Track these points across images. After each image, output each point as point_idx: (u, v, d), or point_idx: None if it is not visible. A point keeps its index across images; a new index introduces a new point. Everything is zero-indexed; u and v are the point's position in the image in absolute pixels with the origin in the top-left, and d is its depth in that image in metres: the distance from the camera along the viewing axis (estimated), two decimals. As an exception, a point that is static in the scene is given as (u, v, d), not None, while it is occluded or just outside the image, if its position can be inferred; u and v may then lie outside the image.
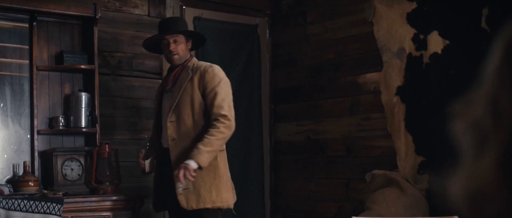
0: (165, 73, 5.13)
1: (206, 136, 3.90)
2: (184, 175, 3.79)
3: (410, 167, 4.60)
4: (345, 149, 5.16)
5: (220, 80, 4.02)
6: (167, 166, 4.00)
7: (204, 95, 4.00)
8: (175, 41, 4.07)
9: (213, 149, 3.91)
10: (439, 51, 4.48)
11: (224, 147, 4.09)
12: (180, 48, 4.08)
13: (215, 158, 3.99)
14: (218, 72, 4.04)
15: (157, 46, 4.25)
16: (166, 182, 4.01)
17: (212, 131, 3.91)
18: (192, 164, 3.81)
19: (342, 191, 5.16)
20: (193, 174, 3.81)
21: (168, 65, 5.14)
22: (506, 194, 0.64)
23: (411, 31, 4.64)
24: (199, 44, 4.41)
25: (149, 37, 4.28)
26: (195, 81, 4.01)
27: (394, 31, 4.72)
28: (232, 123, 3.98)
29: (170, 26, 4.13)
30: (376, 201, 4.32)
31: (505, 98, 0.65)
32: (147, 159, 4.11)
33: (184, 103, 3.99)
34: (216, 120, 3.93)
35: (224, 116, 3.94)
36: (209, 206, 3.94)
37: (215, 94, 3.96)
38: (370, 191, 4.51)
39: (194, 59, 4.17)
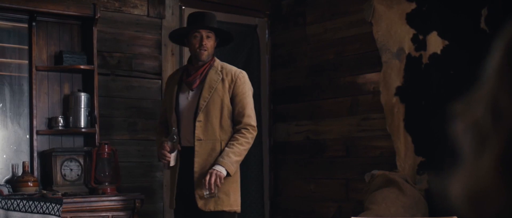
0: (165, 73, 5.13)
1: (236, 144, 3.94)
2: (215, 182, 3.81)
3: (409, 167, 4.60)
4: (344, 149, 5.16)
5: (250, 89, 4.07)
6: (186, 164, 3.97)
7: (232, 100, 4.01)
8: (207, 37, 4.01)
9: (241, 158, 3.97)
10: (439, 52, 4.48)
11: None
12: (210, 45, 4.03)
13: None
14: (247, 80, 4.07)
15: (180, 38, 4.20)
16: (184, 180, 3.98)
17: (242, 140, 3.95)
18: (224, 172, 3.85)
19: (341, 191, 5.16)
20: (222, 182, 3.85)
21: (168, 65, 5.17)
22: (506, 194, 0.64)
23: (411, 32, 4.64)
24: (223, 44, 4.30)
25: (182, 27, 4.18)
26: (226, 84, 3.99)
27: (393, 32, 4.72)
28: (256, 133, 4.07)
29: (205, 20, 4.03)
30: (376, 202, 4.32)
31: (506, 99, 0.65)
32: (172, 152, 3.97)
33: (214, 104, 3.97)
34: (246, 129, 3.98)
35: (253, 127, 4.02)
36: (227, 209, 3.97)
37: (246, 103, 4.00)
38: (369, 191, 4.51)
39: (218, 60, 4.13)
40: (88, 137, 4.66)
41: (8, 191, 4.17)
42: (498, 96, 0.66)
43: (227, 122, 3.99)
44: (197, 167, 3.92)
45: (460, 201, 0.69)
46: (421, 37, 4.59)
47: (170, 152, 3.94)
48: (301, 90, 5.56)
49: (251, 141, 4.01)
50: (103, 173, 4.43)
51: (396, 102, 4.70)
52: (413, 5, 4.62)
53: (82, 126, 4.56)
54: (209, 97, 3.96)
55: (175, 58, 5.23)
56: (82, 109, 4.56)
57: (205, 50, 3.99)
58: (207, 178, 3.81)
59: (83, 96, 4.57)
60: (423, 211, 4.32)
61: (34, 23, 4.48)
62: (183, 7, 5.33)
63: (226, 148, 3.93)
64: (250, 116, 4.01)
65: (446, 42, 4.44)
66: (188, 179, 3.95)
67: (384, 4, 4.78)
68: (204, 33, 3.99)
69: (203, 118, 3.95)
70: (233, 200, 3.99)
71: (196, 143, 3.93)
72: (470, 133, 0.69)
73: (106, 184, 4.43)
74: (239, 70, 4.08)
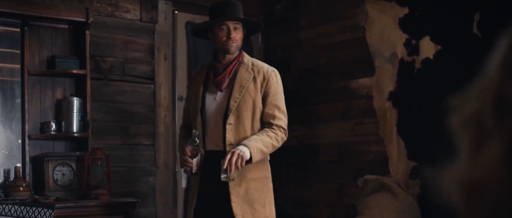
0: (158, 78, 5.12)
1: (265, 134, 3.60)
2: (236, 163, 3.41)
3: (402, 172, 4.61)
4: (337, 154, 5.16)
5: (282, 89, 3.76)
6: (214, 170, 3.53)
7: (263, 100, 3.69)
8: (235, 29, 3.66)
9: (267, 151, 3.63)
10: (431, 57, 4.49)
11: (269, 157, 3.81)
12: (239, 37, 3.68)
13: (266, 169, 3.77)
14: (280, 79, 3.76)
15: (202, 32, 3.83)
16: (211, 187, 3.64)
17: (272, 134, 3.62)
18: (247, 154, 3.47)
19: (334, 196, 5.16)
20: (243, 165, 3.47)
21: (161, 69, 5.16)
22: (508, 188, 0.64)
23: (403, 37, 4.65)
24: (249, 35, 4.02)
25: (206, 22, 3.79)
26: (258, 83, 3.67)
27: (386, 37, 4.73)
28: (286, 138, 3.73)
29: (231, 11, 3.69)
30: (369, 206, 4.32)
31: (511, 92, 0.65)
32: (195, 157, 3.62)
33: (246, 105, 3.63)
34: (278, 127, 3.66)
35: (284, 130, 3.70)
36: None
37: (278, 104, 3.70)
38: (362, 196, 4.51)
39: (247, 56, 3.80)
40: (81, 142, 4.64)
41: (0, 196, 4.15)
42: (503, 89, 0.66)
43: (259, 124, 3.68)
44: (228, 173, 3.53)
45: (455, 194, 0.69)
46: (413, 42, 4.60)
47: (192, 157, 3.61)
48: (294, 95, 5.55)
49: (280, 141, 3.66)
50: (95, 178, 4.41)
51: (389, 107, 4.70)
52: (406, 10, 4.63)
53: (75, 131, 4.55)
54: (240, 98, 3.63)
55: (168, 62, 5.22)
56: (75, 114, 4.55)
57: (234, 42, 3.64)
58: (228, 157, 3.41)
59: (75, 101, 4.56)
60: (415, 215, 4.32)
61: (26, 28, 4.47)
62: (176, 12, 5.33)
63: (254, 135, 3.60)
64: (282, 119, 3.68)
65: (439, 47, 4.45)
66: (218, 187, 3.58)
67: (377, 9, 4.79)
68: (231, 25, 3.64)
69: (234, 120, 3.62)
70: (269, 212, 3.72)
71: (227, 148, 3.57)
72: (467, 125, 0.69)
73: (99, 188, 4.41)
74: (271, 68, 3.75)
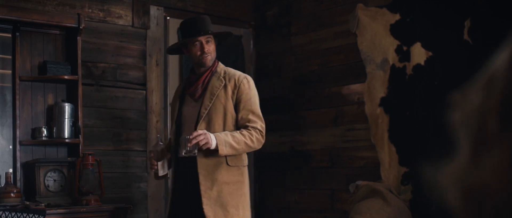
0: (150, 83, 5.12)
1: (240, 132, 3.72)
2: (199, 142, 3.54)
3: (393, 178, 4.62)
4: (329, 159, 5.17)
5: (255, 94, 3.87)
6: (189, 177, 3.76)
7: (236, 107, 3.81)
8: (207, 42, 3.83)
9: (237, 148, 3.70)
10: (422, 63, 4.51)
11: (247, 162, 3.92)
12: (212, 48, 3.86)
13: (241, 174, 3.84)
14: (253, 85, 3.88)
15: (177, 48, 4.04)
16: (190, 194, 3.76)
17: (246, 134, 3.73)
18: (213, 142, 3.59)
19: (326, 202, 5.17)
20: (203, 149, 3.59)
21: (153, 75, 5.16)
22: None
23: (395, 43, 4.67)
24: (219, 43, 4.10)
25: (179, 41, 3.97)
26: (229, 91, 3.81)
27: (377, 43, 4.75)
28: (263, 141, 3.82)
29: (201, 26, 3.84)
30: (360, 212, 4.32)
31: None
32: (160, 161, 3.80)
33: (216, 112, 3.77)
34: (254, 129, 3.76)
35: (260, 131, 3.78)
36: None
37: (252, 109, 3.81)
38: (354, 201, 4.52)
39: (221, 64, 3.95)
40: (72, 148, 4.63)
41: (-9, 202, 4.13)
42: (511, 92, 0.65)
43: (232, 129, 3.78)
44: (202, 178, 3.71)
45: (453, 193, 0.68)
46: (405, 48, 4.62)
47: (157, 160, 3.80)
48: (286, 101, 5.56)
49: (255, 141, 3.75)
50: (87, 184, 4.40)
51: (380, 113, 4.72)
52: (397, 17, 4.65)
53: (66, 137, 4.53)
54: (210, 105, 3.78)
55: (159, 68, 5.22)
56: (66, 119, 4.53)
57: (208, 55, 3.82)
58: (194, 134, 3.56)
59: (67, 107, 4.55)
60: (407, 221, 4.33)
61: (17, 33, 4.46)
62: (168, 18, 5.33)
63: (228, 131, 3.73)
64: (257, 121, 3.79)
65: (430, 54, 4.48)
66: (192, 191, 3.73)
67: (368, 15, 4.81)
68: (203, 39, 3.82)
69: (205, 126, 3.74)
70: (242, 215, 3.78)
71: (197, 155, 3.67)
72: (468, 122, 0.69)
73: (90, 194, 4.40)
74: (243, 74, 3.90)
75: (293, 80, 5.51)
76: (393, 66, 4.67)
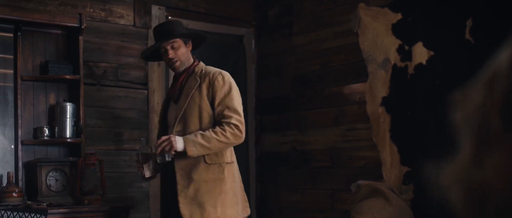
0: (151, 83, 5.13)
1: (211, 131, 3.69)
2: (164, 147, 3.61)
3: (395, 178, 4.62)
4: (330, 159, 5.17)
5: (231, 89, 3.81)
6: (169, 178, 3.82)
7: (212, 104, 3.78)
8: (173, 47, 3.81)
9: (209, 146, 3.68)
10: (424, 62, 4.51)
11: (234, 159, 3.92)
12: (180, 52, 3.83)
13: (222, 171, 3.81)
14: (228, 80, 3.83)
15: (157, 54, 3.99)
16: (170, 194, 3.83)
17: (218, 130, 3.70)
18: (179, 146, 3.63)
19: (327, 202, 5.17)
20: (173, 153, 3.64)
21: (154, 75, 5.16)
22: None
23: (396, 42, 4.67)
24: (200, 42, 4.09)
25: (146, 49, 4.05)
26: (203, 89, 3.79)
27: (379, 42, 4.75)
28: (242, 134, 3.76)
29: (164, 32, 3.85)
30: (362, 212, 4.33)
31: None
32: (145, 163, 3.81)
33: (191, 112, 3.77)
34: (227, 124, 3.72)
35: (236, 126, 3.73)
36: None
37: (227, 104, 3.76)
38: (355, 201, 4.52)
39: (202, 64, 3.93)
40: (74, 147, 4.63)
41: (-7, 202, 4.13)
42: None
43: (209, 128, 3.76)
44: (179, 178, 3.76)
45: (455, 192, 0.68)
46: (406, 47, 4.62)
47: (143, 162, 3.80)
48: (287, 101, 5.57)
49: (230, 136, 3.71)
50: (88, 184, 4.40)
51: (382, 113, 4.72)
52: (399, 16, 4.65)
53: (68, 136, 4.54)
54: (185, 106, 3.78)
55: (161, 68, 5.22)
56: (68, 119, 4.54)
57: (176, 61, 3.83)
58: (158, 141, 3.64)
59: (68, 106, 4.55)
60: (409, 221, 4.33)
61: (19, 33, 4.46)
62: (169, 17, 5.33)
63: (199, 131, 3.73)
64: (232, 116, 3.73)
65: (432, 53, 4.48)
66: (171, 191, 3.80)
67: (370, 14, 4.81)
68: (167, 46, 3.81)
69: (181, 127, 3.77)
70: (221, 213, 3.76)
71: (174, 155, 3.71)
72: (470, 121, 0.69)
73: (92, 194, 4.40)
74: (218, 71, 3.86)
75: (294, 80, 5.51)
76: (394, 65, 4.67)
